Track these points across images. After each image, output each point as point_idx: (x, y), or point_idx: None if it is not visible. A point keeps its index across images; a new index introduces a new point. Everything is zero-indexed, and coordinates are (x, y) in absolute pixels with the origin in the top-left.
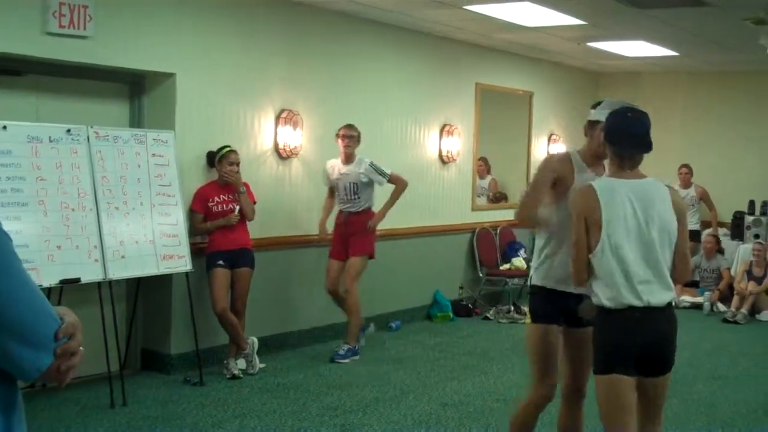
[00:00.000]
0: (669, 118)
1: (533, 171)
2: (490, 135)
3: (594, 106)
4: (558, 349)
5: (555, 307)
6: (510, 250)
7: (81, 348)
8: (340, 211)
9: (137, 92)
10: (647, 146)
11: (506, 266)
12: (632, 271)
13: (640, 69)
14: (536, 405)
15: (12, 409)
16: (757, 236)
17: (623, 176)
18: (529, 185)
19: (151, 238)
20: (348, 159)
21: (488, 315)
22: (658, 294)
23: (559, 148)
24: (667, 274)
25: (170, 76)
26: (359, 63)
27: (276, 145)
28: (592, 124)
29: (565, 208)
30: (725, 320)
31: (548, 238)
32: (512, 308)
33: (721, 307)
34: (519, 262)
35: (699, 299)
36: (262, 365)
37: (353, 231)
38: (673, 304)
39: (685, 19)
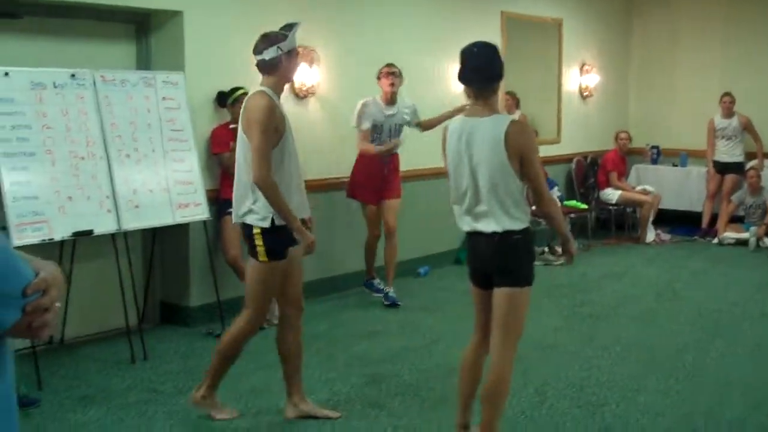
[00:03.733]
0: (708, 41)
1: (565, 104)
2: (518, 67)
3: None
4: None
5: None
6: None
7: (57, 304)
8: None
9: (143, 32)
10: (483, 80)
11: None
12: (462, 202)
13: None
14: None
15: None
16: None
17: (472, 113)
18: None
19: (165, 186)
20: (392, 99)
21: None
22: (483, 222)
23: (593, 78)
24: (499, 207)
25: (177, 13)
26: None
27: (292, 84)
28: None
29: None
30: None
31: None
32: (546, 249)
33: None
34: None
35: (744, 235)
36: None
37: (391, 173)
38: (502, 231)
39: None
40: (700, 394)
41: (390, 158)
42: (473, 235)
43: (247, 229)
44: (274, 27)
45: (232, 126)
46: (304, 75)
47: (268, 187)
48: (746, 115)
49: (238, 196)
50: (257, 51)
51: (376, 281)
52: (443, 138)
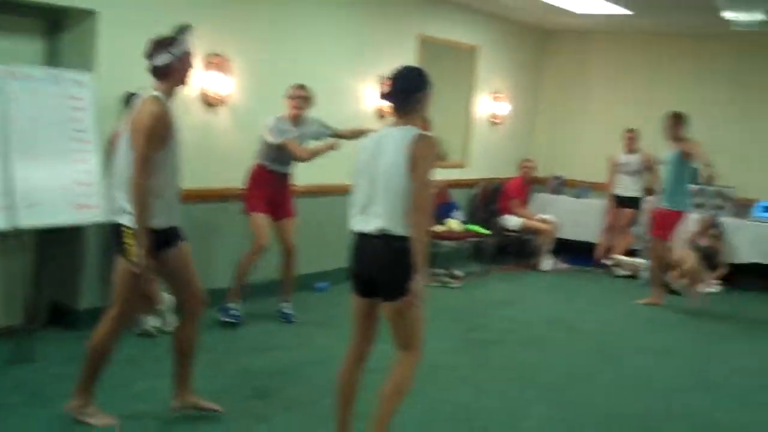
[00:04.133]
0: (618, 77)
1: (474, 129)
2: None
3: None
4: None
5: None
6: (445, 210)
7: None
8: (272, 170)
9: (55, 29)
10: (402, 99)
11: (440, 227)
12: (358, 204)
13: (590, 27)
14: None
15: None
16: (701, 206)
17: (390, 124)
18: None
19: (65, 186)
20: (296, 120)
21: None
22: (370, 223)
23: (504, 106)
24: (390, 209)
25: (91, 13)
26: (294, 7)
27: (203, 91)
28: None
29: None
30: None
31: None
32: (444, 271)
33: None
34: (454, 223)
35: (636, 260)
36: (177, 323)
37: (285, 191)
38: (387, 233)
39: None
40: (586, 424)
41: (284, 178)
42: (361, 237)
43: (116, 227)
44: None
45: None
46: (216, 83)
47: (139, 192)
48: (649, 152)
49: (112, 194)
50: (148, 56)
51: (234, 306)
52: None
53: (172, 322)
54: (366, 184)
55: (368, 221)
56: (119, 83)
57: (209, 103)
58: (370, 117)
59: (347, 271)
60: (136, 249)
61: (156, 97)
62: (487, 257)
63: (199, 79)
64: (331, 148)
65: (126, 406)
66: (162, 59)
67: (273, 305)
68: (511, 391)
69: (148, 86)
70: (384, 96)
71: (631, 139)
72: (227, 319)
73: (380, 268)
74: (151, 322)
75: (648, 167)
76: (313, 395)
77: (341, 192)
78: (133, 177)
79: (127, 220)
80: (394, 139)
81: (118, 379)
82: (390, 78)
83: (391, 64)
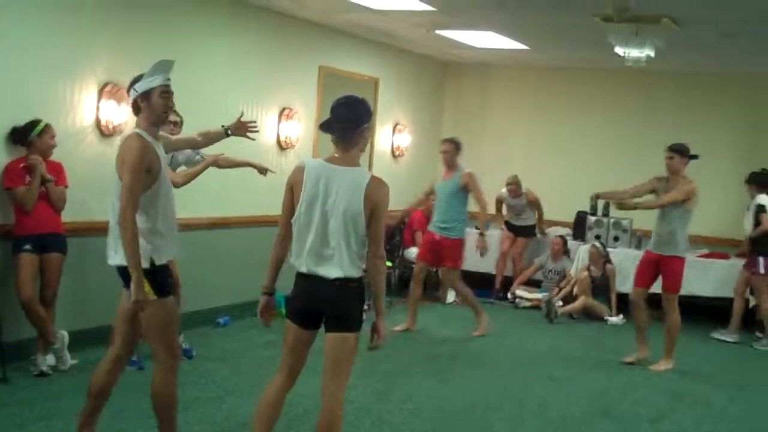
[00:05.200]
0: (516, 111)
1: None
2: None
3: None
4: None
5: None
6: None
7: None
8: None
9: None
10: (342, 129)
11: None
12: (307, 243)
13: (490, 61)
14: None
15: None
16: (598, 237)
17: (332, 160)
18: None
19: None
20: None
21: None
22: (327, 267)
23: (405, 138)
24: (348, 255)
25: None
26: (194, 37)
27: (98, 121)
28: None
29: None
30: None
31: None
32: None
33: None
34: None
35: (537, 295)
36: (74, 361)
37: None
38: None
39: (534, 12)
40: None
41: None
42: (310, 278)
43: (123, 270)
44: (85, 62)
45: (32, 158)
46: (112, 113)
47: (128, 227)
48: (535, 191)
49: (115, 237)
50: (128, 92)
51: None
52: (293, 177)
53: (68, 360)
54: (316, 224)
55: (323, 266)
56: (4, 114)
57: (104, 133)
58: (271, 149)
59: (287, 305)
60: (147, 288)
61: (136, 134)
62: (391, 289)
63: (95, 109)
64: (214, 163)
65: None
66: (131, 95)
67: None
68: (414, 423)
69: (36, 116)
70: (323, 126)
71: (514, 188)
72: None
73: (334, 307)
74: (48, 360)
75: (533, 204)
76: (215, 430)
77: (244, 224)
78: (123, 213)
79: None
80: (346, 181)
81: (14, 420)
82: (332, 108)
83: (293, 95)
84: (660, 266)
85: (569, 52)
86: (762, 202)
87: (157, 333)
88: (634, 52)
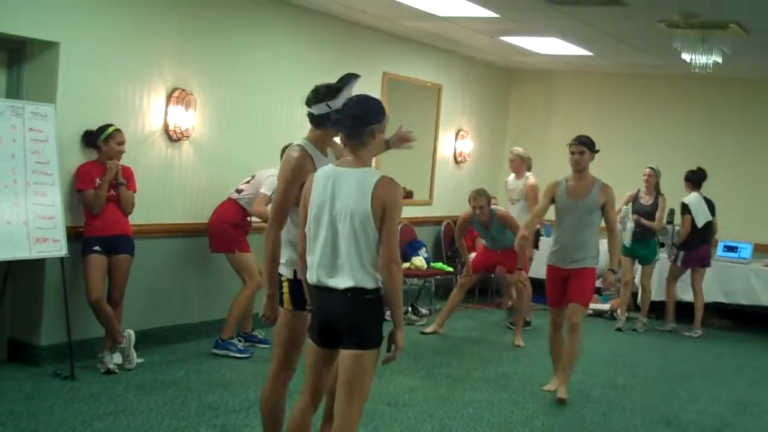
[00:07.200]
0: (580, 118)
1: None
2: (396, 128)
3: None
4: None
5: None
6: (410, 248)
7: None
8: (245, 208)
9: (16, 61)
10: (351, 126)
11: (406, 265)
12: (318, 253)
13: (552, 67)
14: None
15: None
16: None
17: (341, 163)
18: None
19: (24, 219)
20: None
21: (386, 317)
22: (338, 278)
23: (468, 144)
24: (359, 262)
25: (54, 45)
26: (259, 43)
27: (166, 125)
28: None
29: None
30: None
31: None
32: (410, 309)
33: (619, 315)
34: (419, 261)
35: (600, 306)
36: (140, 360)
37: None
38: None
39: (599, 18)
40: None
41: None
42: (323, 290)
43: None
44: (154, 67)
45: (109, 163)
46: (179, 118)
47: (268, 239)
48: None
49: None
50: (308, 103)
51: (235, 341)
52: (306, 186)
53: (134, 359)
54: (324, 230)
55: (334, 276)
56: (80, 116)
57: (172, 137)
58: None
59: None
60: (286, 297)
61: (299, 146)
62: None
63: (163, 114)
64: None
65: None
66: (318, 110)
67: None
68: (474, 428)
69: (110, 120)
70: (334, 122)
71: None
72: (238, 355)
73: (349, 321)
74: (115, 359)
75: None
76: None
77: None
78: (268, 225)
79: (281, 268)
80: (354, 182)
81: (81, 417)
82: (344, 104)
83: None
84: None
85: (632, 57)
86: None
87: (277, 337)
88: (701, 59)
